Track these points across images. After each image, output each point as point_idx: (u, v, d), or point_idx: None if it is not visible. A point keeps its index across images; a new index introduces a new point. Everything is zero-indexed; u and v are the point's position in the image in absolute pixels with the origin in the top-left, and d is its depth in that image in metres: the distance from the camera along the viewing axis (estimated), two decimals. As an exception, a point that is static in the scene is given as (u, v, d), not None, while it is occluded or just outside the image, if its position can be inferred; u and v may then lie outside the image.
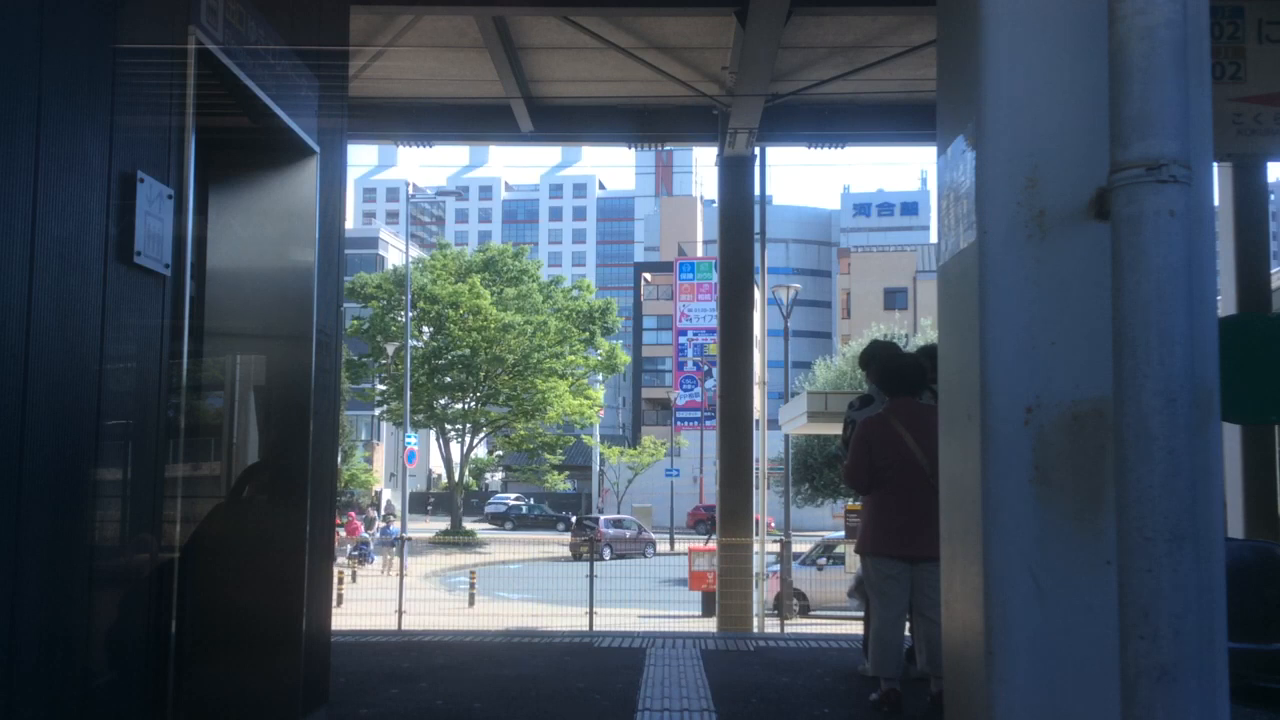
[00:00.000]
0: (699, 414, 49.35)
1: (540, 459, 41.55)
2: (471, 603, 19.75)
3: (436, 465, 53.51)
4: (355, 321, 37.71)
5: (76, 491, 2.57)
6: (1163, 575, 1.97)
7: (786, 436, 22.70)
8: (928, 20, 8.61)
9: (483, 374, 37.96)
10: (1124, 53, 2.11)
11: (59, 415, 2.46)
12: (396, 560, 23.55)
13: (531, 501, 52.75)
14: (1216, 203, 5.57)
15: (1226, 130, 4.70)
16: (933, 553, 3.09)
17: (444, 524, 39.85)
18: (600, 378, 43.15)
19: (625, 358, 44.31)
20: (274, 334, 4.16)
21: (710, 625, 13.08)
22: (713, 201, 53.14)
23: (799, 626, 15.32)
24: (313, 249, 4.12)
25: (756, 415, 12.51)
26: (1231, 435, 9.34)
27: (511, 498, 54.61)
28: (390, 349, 36.72)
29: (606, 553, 27.44)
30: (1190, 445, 2.02)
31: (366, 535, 28.72)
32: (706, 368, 47.74)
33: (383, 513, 41.72)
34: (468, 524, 41.78)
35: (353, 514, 33.35)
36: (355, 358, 38.66)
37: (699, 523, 42.88)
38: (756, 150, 11.65)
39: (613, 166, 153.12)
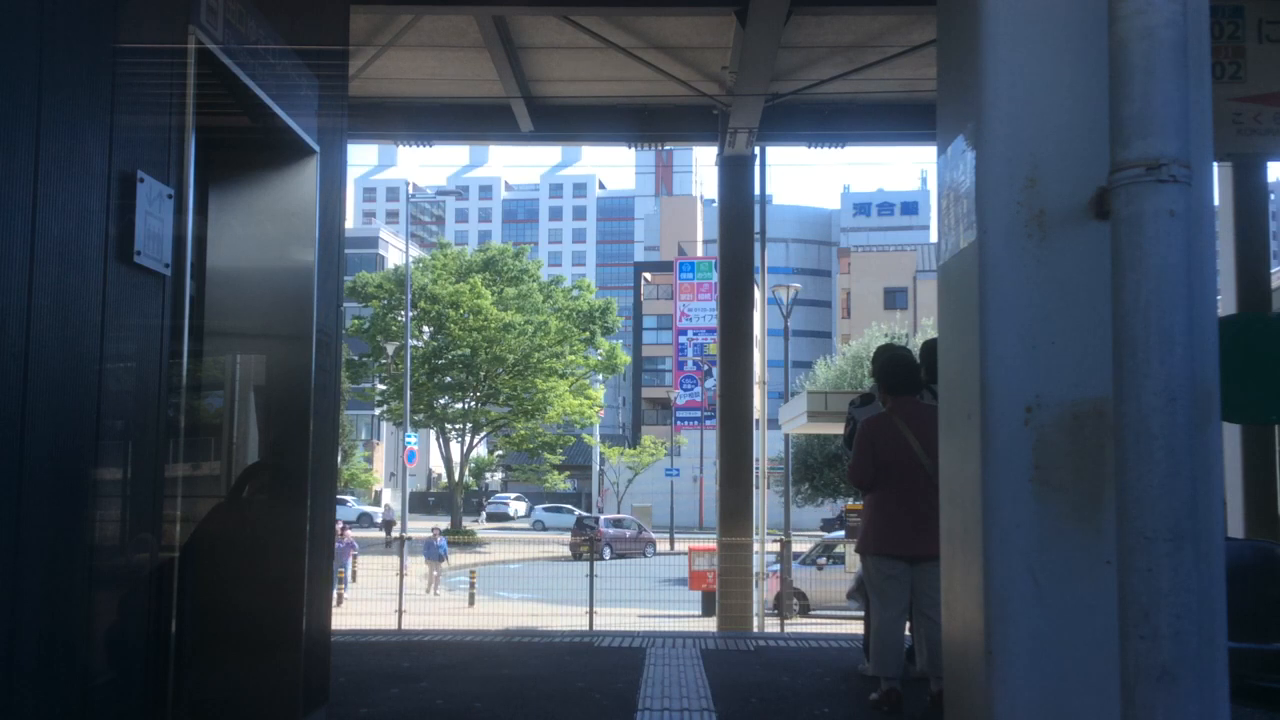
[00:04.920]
0: (699, 414, 49.34)
1: (540, 459, 41.54)
2: (471, 602, 19.76)
3: (436, 465, 53.50)
4: (355, 321, 37.70)
5: (76, 491, 2.57)
6: (1163, 575, 1.97)
7: (786, 436, 22.71)
8: (928, 20, 8.61)
9: (483, 374, 37.95)
10: (1124, 53, 2.11)
11: (59, 415, 2.46)
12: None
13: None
14: (1216, 203, 5.56)
15: (1226, 130, 4.70)
16: (933, 552, 3.09)
17: (443, 523, 39.85)
18: (600, 378, 43.14)
19: (625, 358, 44.30)
20: (274, 334, 4.16)
21: (710, 625, 13.08)
22: (713, 201, 53.12)
23: (799, 626, 15.32)
24: (313, 249, 4.12)
25: (756, 415, 12.52)
26: (1231, 435, 9.34)
27: (512, 497, 54.63)
28: (390, 349, 36.72)
29: (606, 552, 27.43)
30: (1190, 445, 2.02)
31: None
32: (706, 367, 47.72)
33: (381, 516, 41.47)
34: (468, 523, 41.88)
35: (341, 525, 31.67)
36: (355, 357, 38.66)
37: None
38: (756, 150, 11.65)
39: (613, 166, 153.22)
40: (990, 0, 2.49)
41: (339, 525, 24.35)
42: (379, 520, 41.59)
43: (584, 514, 40.07)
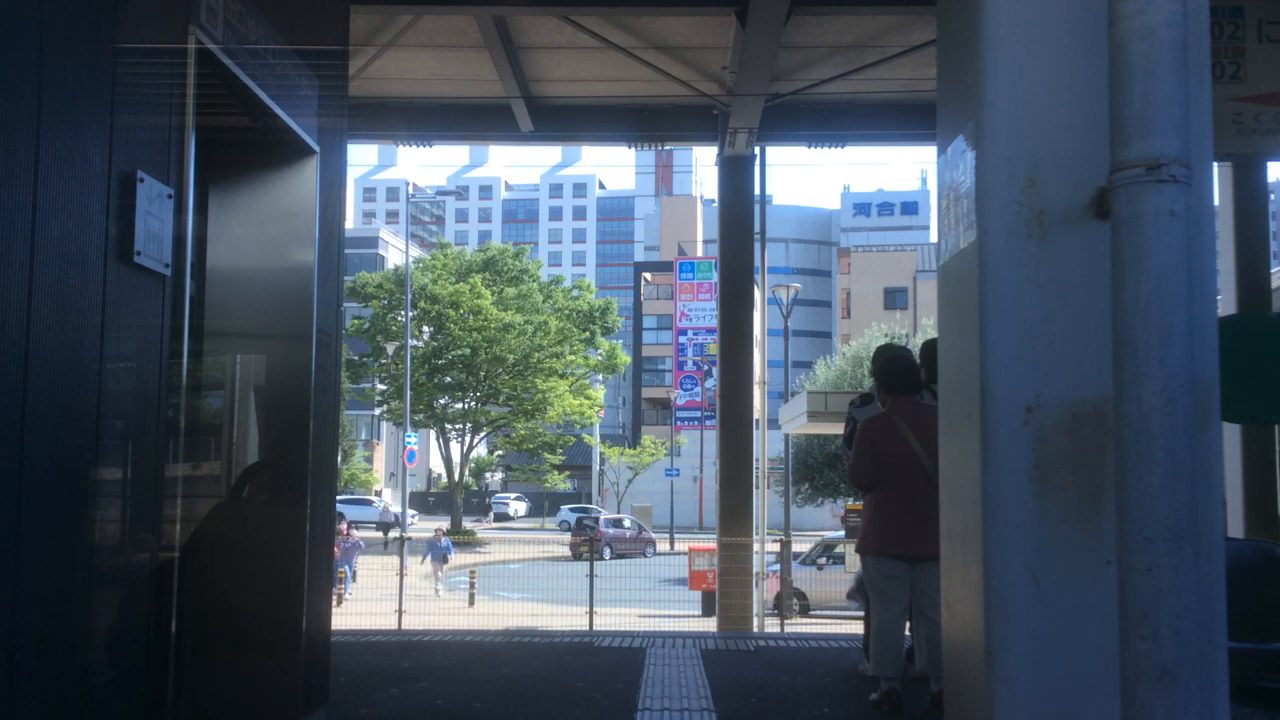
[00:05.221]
0: (699, 414, 49.34)
1: (540, 459, 41.55)
2: (471, 603, 19.76)
3: (436, 465, 53.48)
4: (355, 321, 37.70)
5: (76, 491, 2.57)
6: (1163, 575, 1.97)
7: (786, 436, 22.71)
8: (928, 20, 8.61)
9: (483, 374, 37.96)
10: (1124, 53, 2.11)
11: (59, 415, 2.46)
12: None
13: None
14: (1216, 203, 5.56)
15: (1226, 130, 4.70)
16: (933, 552, 3.09)
17: (444, 523, 39.85)
18: (600, 378, 43.13)
19: (625, 358, 44.28)
20: (274, 334, 4.16)
21: (710, 625, 13.08)
22: (713, 201, 53.09)
23: (799, 626, 15.32)
24: (313, 249, 4.12)
25: (756, 415, 12.52)
26: (1231, 435, 9.34)
27: (512, 497, 54.59)
28: (390, 349, 36.72)
29: (606, 552, 27.42)
30: (1190, 445, 2.02)
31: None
32: (706, 367, 47.71)
33: (379, 517, 41.18)
34: (471, 524, 41.87)
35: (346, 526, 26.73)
36: (355, 358, 38.65)
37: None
38: (756, 150, 11.65)
39: (613, 166, 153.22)
40: (990, 0, 2.49)
41: (345, 525, 24.11)
42: (410, 521, 41.01)
43: (584, 514, 39.95)
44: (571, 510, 47.40)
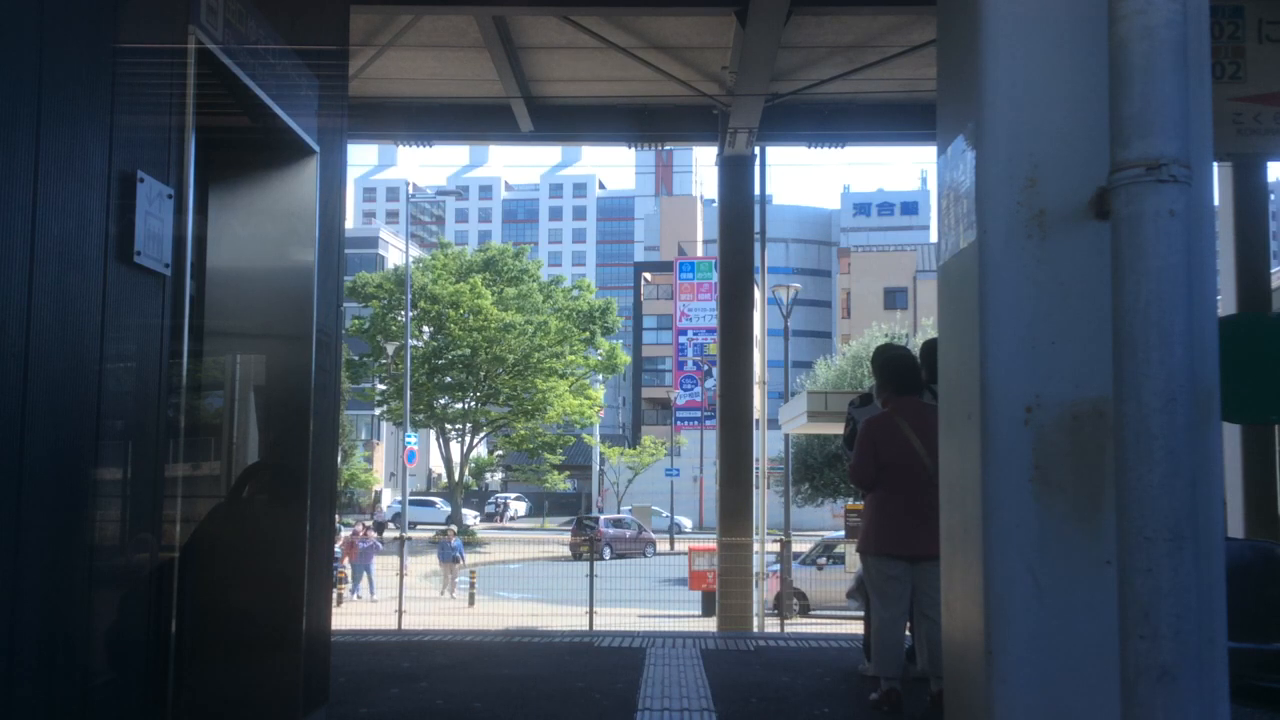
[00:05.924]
0: (699, 414, 49.33)
1: (540, 459, 41.55)
2: (471, 603, 19.76)
3: (436, 465, 53.47)
4: (355, 321, 37.70)
5: (76, 491, 2.57)
6: (1163, 575, 1.97)
7: (786, 436, 22.69)
8: (928, 20, 8.61)
9: (483, 374, 37.98)
10: (1124, 52, 2.11)
11: (59, 415, 2.46)
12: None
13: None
14: (1216, 203, 5.56)
15: (1226, 130, 4.69)
16: (934, 552, 3.09)
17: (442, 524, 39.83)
18: (600, 378, 43.13)
19: (625, 358, 44.29)
20: (274, 334, 4.16)
21: (710, 625, 13.08)
22: (713, 201, 53.09)
23: (799, 626, 15.32)
24: (313, 249, 4.12)
25: (756, 415, 12.52)
26: (1231, 435, 9.34)
27: (512, 497, 54.58)
28: (390, 349, 36.72)
29: (606, 552, 27.42)
30: (1190, 445, 2.02)
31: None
32: (706, 367, 47.71)
33: (372, 517, 41.14)
34: (478, 525, 41.86)
35: (362, 528, 23.72)
36: (355, 357, 38.65)
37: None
38: (756, 150, 11.66)
39: (613, 166, 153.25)
40: (990, 0, 2.49)
41: (360, 526, 23.91)
42: (467, 522, 40.48)
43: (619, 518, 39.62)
44: (620, 511, 46.99)
